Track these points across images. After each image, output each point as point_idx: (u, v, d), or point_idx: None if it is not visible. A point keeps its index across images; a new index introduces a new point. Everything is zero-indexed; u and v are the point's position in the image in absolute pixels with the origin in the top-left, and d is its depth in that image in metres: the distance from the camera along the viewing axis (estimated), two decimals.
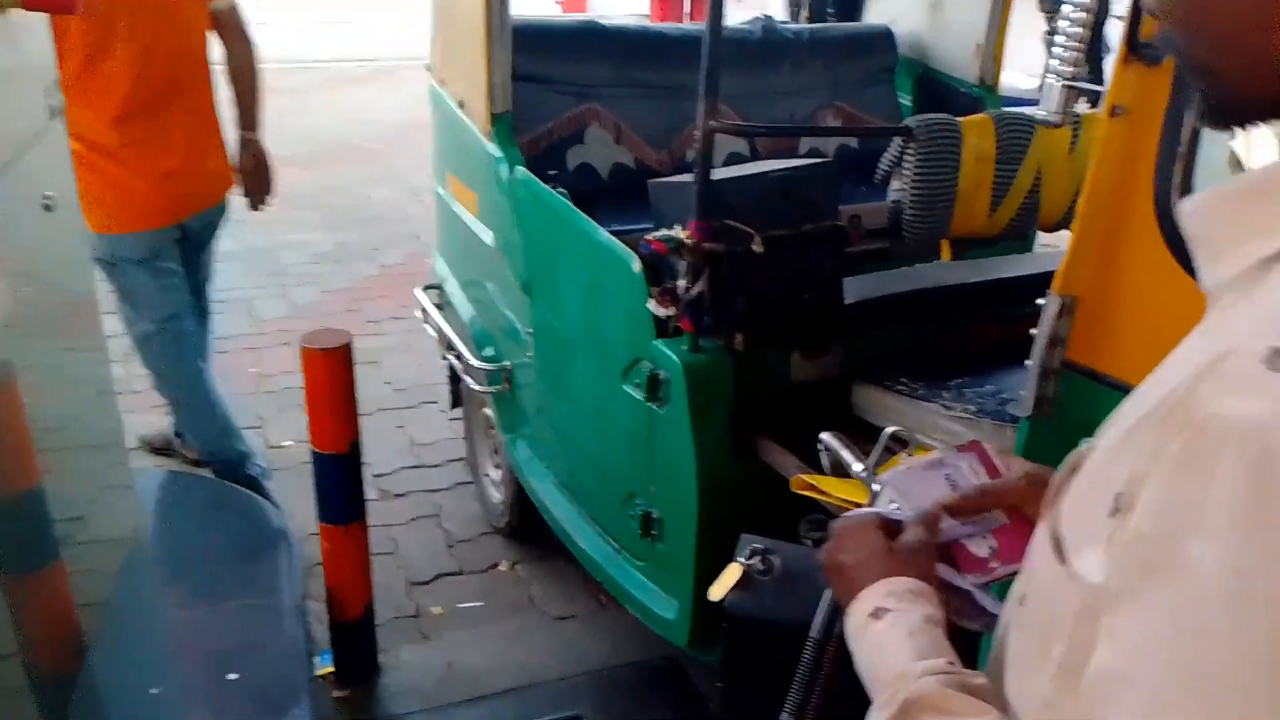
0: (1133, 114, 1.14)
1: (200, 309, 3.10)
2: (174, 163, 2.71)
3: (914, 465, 0.96)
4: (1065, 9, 1.16)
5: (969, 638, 0.86)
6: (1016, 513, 0.90)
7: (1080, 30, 1.18)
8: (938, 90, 3.10)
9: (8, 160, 1.46)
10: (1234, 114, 0.59)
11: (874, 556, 0.81)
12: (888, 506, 0.92)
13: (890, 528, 0.86)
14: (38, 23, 1.59)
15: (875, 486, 1.53)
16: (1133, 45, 1.10)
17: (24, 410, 1.65)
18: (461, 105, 2.82)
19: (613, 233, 2.19)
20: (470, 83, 2.71)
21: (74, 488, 1.98)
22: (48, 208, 1.63)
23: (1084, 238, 1.19)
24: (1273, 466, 0.44)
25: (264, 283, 5.03)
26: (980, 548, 0.92)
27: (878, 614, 0.75)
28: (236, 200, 3.23)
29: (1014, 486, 0.90)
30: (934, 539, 0.86)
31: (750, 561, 1.63)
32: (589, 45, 2.95)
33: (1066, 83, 1.18)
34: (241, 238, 5.59)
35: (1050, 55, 1.17)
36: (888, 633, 0.74)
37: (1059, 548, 0.61)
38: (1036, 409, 1.27)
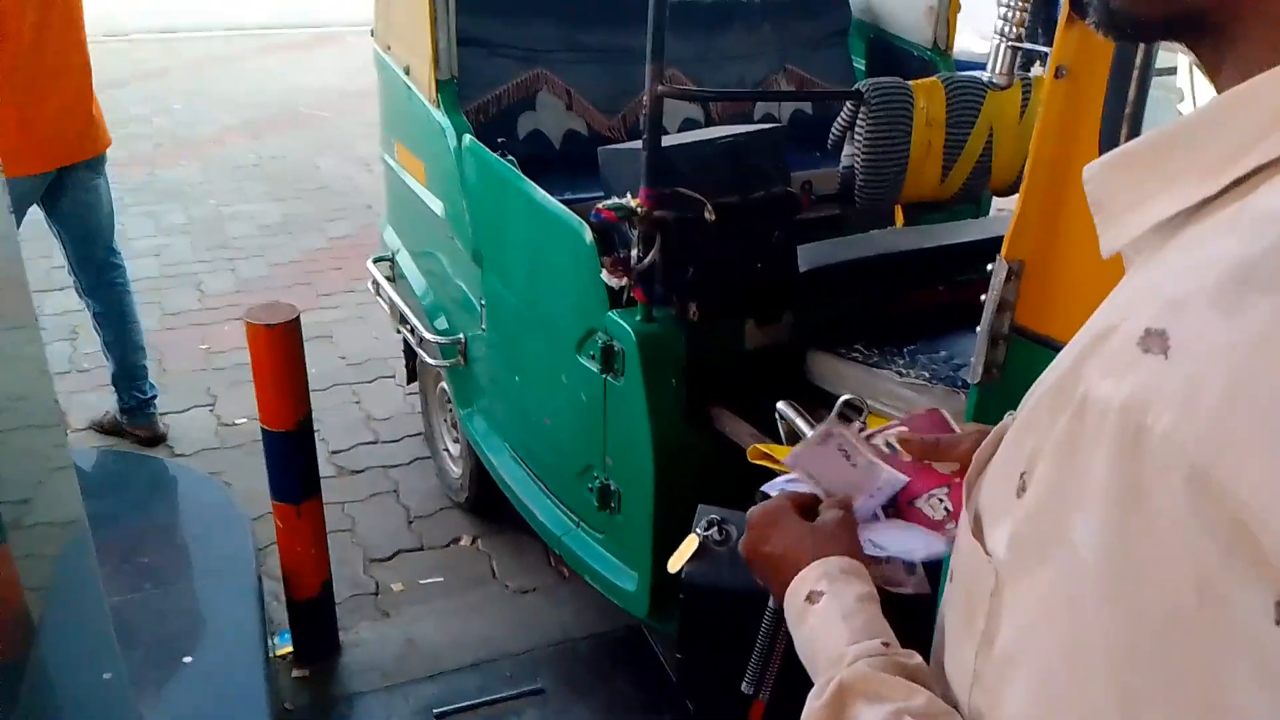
0: (1076, 75, 1.13)
1: (94, 257, 3.16)
2: (45, 115, 2.84)
3: (809, 443, 0.96)
4: None
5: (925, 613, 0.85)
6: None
7: None
8: (890, 54, 3.08)
9: None
10: (1128, 25, 0.57)
11: (799, 541, 0.80)
12: (796, 486, 0.92)
13: (804, 508, 0.85)
14: None
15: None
16: (1076, 4, 1.09)
17: None
18: (407, 71, 2.76)
19: (565, 201, 2.16)
20: (414, 48, 2.65)
21: (13, 470, 1.92)
22: None
23: (1029, 202, 1.18)
24: (1141, 447, 0.45)
25: (210, 257, 4.92)
26: (936, 510, 0.92)
27: (812, 598, 0.74)
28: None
29: (966, 443, 0.90)
30: (850, 513, 0.85)
31: (707, 533, 1.62)
32: (535, 6, 2.88)
33: (1012, 44, 1.17)
34: (186, 210, 5.49)
35: (998, 17, 1.16)
36: (823, 616, 0.73)
37: (979, 525, 0.61)
38: (985, 375, 1.27)
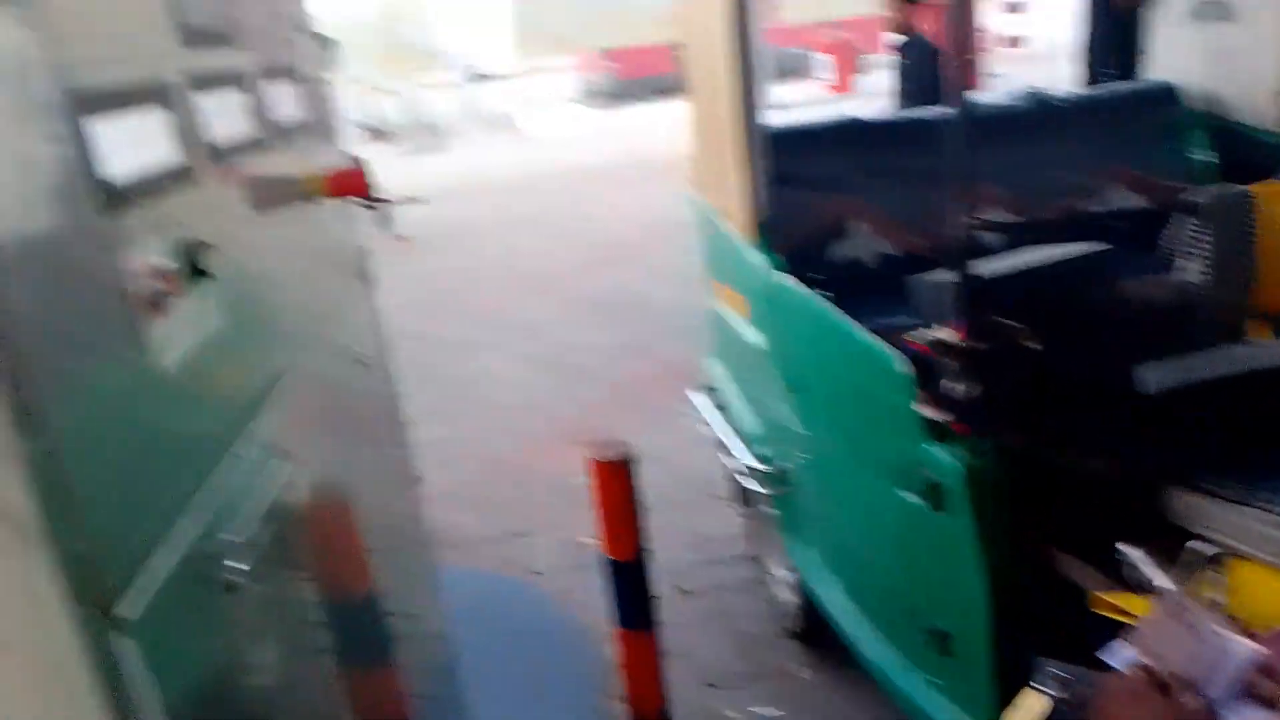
0: None
1: None
2: None
3: (1151, 622, 0.89)
4: None
5: None
6: None
7: None
8: (1236, 141, 2.81)
9: (325, 327, 1.73)
10: None
11: None
12: (1138, 660, 0.86)
13: (1160, 686, 0.79)
14: (344, 210, 1.88)
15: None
16: None
17: (357, 524, 1.90)
18: (722, 213, 2.92)
19: (881, 327, 2.16)
20: (730, 191, 2.81)
21: (396, 587, 2.20)
22: (360, 363, 1.89)
23: None
24: None
25: (556, 385, 5.40)
26: None
27: None
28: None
29: None
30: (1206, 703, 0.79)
31: (1062, 694, 1.51)
32: (846, 141, 2.98)
33: None
34: (535, 340, 6.09)
35: None
36: None
37: None
38: None
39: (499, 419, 5.03)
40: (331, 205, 1.77)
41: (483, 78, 18.74)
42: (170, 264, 1.12)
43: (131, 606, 0.95)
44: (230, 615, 1.20)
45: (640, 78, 18.48)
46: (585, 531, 3.77)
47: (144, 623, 0.95)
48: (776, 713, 2.75)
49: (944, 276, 1.92)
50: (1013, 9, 15.80)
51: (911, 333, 1.91)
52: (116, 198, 1.04)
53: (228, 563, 1.16)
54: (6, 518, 0.86)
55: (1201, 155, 2.94)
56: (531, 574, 3.53)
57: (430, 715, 2.28)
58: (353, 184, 1.74)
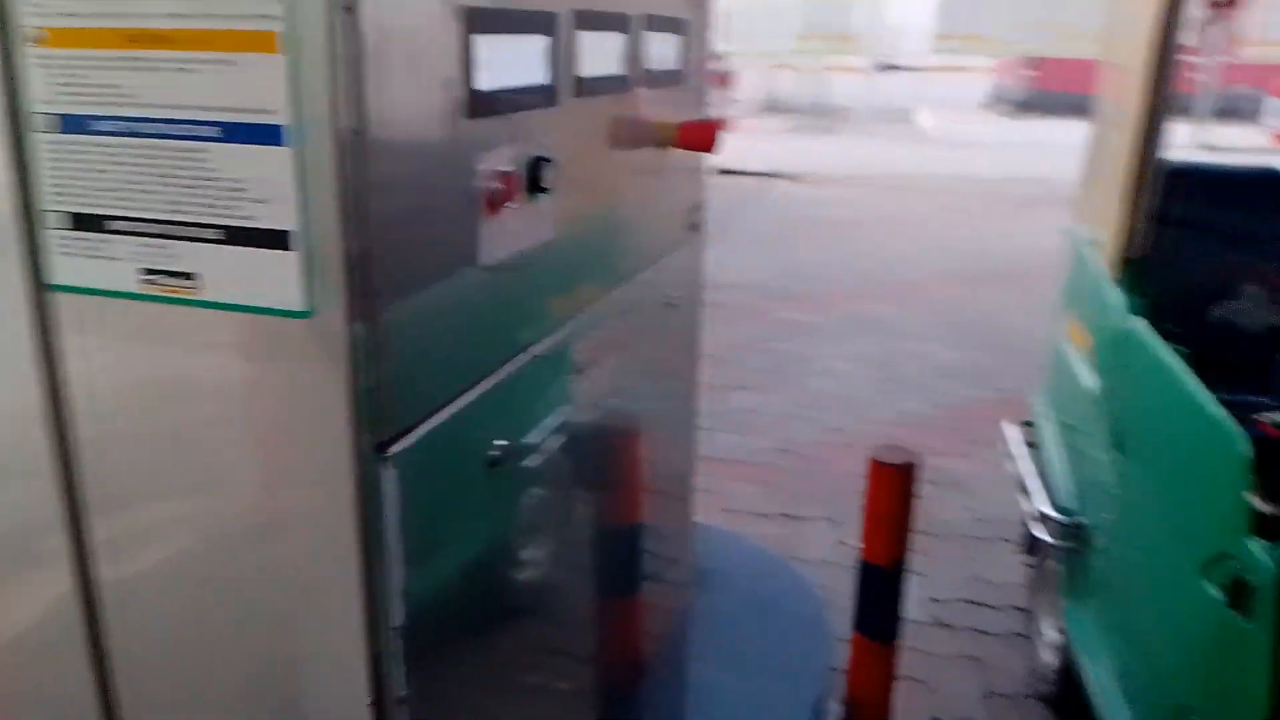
0: None
1: None
2: None
3: None
4: None
5: None
6: None
7: None
8: None
9: (642, 268, 1.82)
10: None
11: None
12: None
13: None
14: (693, 157, 1.95)
15: None
16: None
17: (640, 456, 2.01)
18: (1096, 245, 2.70)
19: (1235, 403, 1.91)
20: (1107, 222, 2.58)
21: (642, 525, 2.31)
22: (670, 305, 1.97)
23: None
24: None
25: (878, 387, 5.28)
26: None
27: None
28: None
29: None
30: None
31: None
32: (1263, 193, 2.62)
33: None
34: (875, 342, 5.97)
35: None
36: None
37: None
38: None
39: (811, 406, 5.02)
40: (680, 155, 1.85)
41: (892, 68, 18.41)
42: (516, 171, 1.25)
43: (403, 449, 1.09)
44: (495, 494, 1.33)
45: (1058, 91, 17.23)
46: (856, 534, 3.70)
47: (408, 462, 1.09)
48: None
49: None
50: None
51: (1265, 414, 1.67)
52: (482, 105, 1.17)
53: (498, 442, 1.28)
54: (327, 358, 1.01)
55: None
56: (793, 559, 3.53)
57: (662, 658, 2.37)
58: (702, 138, 1.80)
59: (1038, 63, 17.78)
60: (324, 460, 1.05)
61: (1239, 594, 1.69)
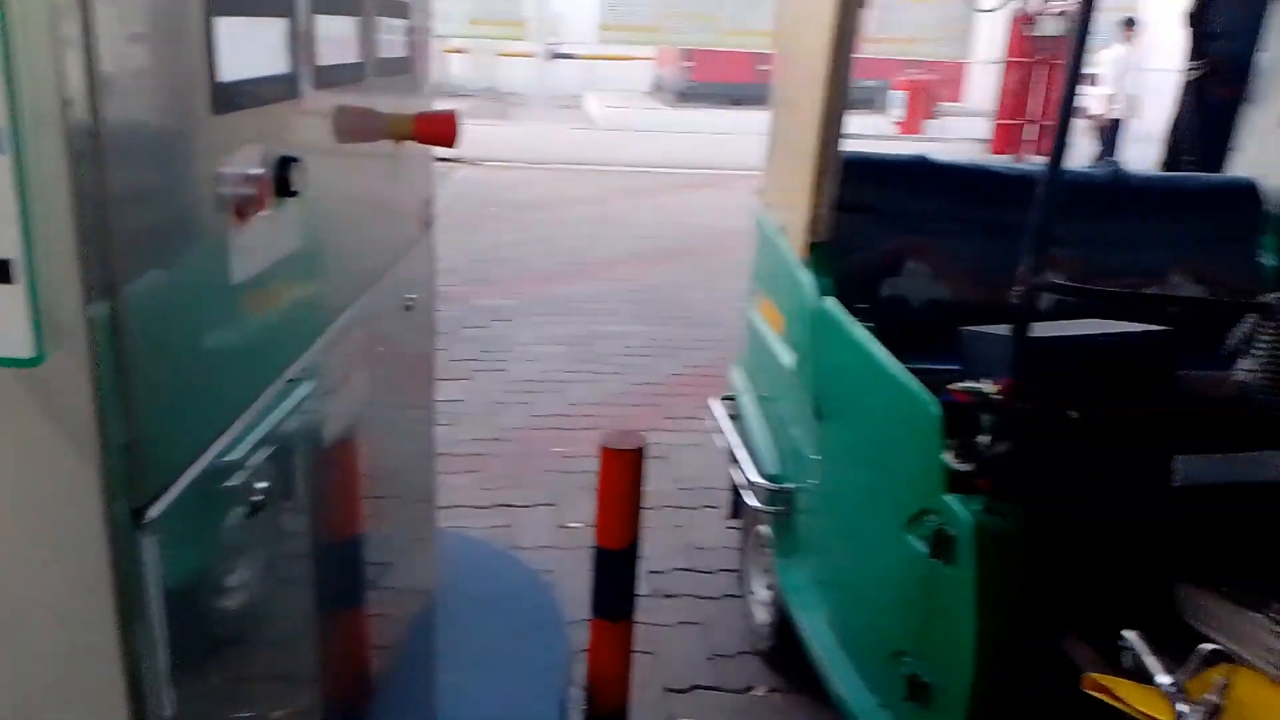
0: None
1: None
2: None
3: None
4: None
5: None
6: None
7: None
8: None
9: (383, 272, 1.71)
10: None
11: None
12: None
13: None
14: (420, 151, 1.86)
15: (1181, 708, 1.36)
16: None
17: (359, 465, 1.89)
18: (783, 230, 2.90)
19: (916, 371, 2.13)
20: (794, 209, 2.78)
21: (387, 537, 2.20)
22: (408, 308, 1.87)
23: None
24: None
25: (579, 369, 5.38)
26: None
27: None
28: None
29: None
30: None
31: None
32: (919, 179, 2.94)
33: None
34: (569, 325, 6.08)
35: None
36: None
37: None
38: None
39: (517, 392, 5.02)
40: (413, 149, 1.75)
41: (561, 56, 18.80)
42: (265, 173, 1.10)
43: (161, 511, 0.94)
44: (248, 535, 1.18)
45: (714, 82, 18.42)
46: (573, 516, 3.78)
47: (168, 527, 0.94)
48: None
49: (1000, 331, 1.89)
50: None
51: (956, 383, 1.87)
52: (227, 98, 1.02)
53: (259, 485, 1.14)
54: (66, 413, 0.84)
55: (1271, 260, 2.88)
56: (512, 548, 3.53)
57: (394, 666, 2.27)
58: (442, 131, 1.72)
59: (694, 54, 18.89)
60: (69, 536, 0.87)
61: (941, 545, 1.90)
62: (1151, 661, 1.46)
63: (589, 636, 2.48)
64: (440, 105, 1.87)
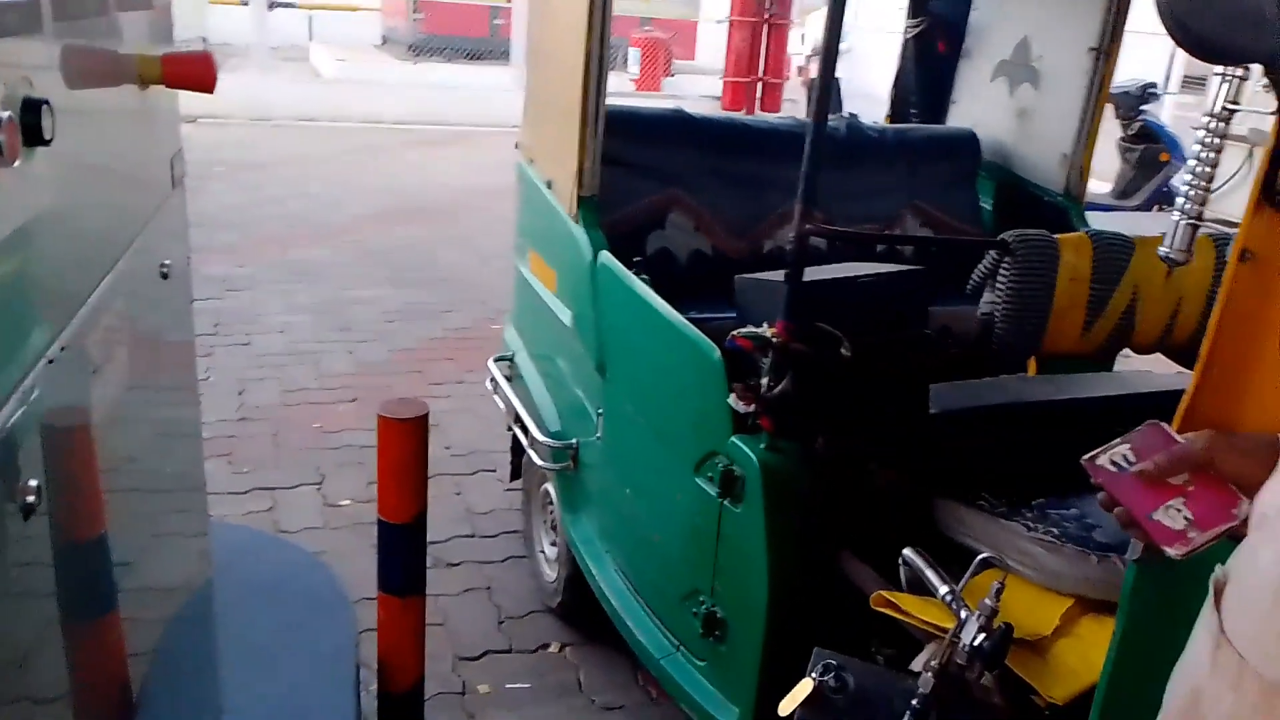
0: (1261, 260, 1.11)
1: None
2: None
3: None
4: (1194, 149, 1.15)
5: None
6: (1201, 477, 1.00)
7: (1207, 170, 1.16)
8: (1021, 197, 3.09)
9: (136, 234, 1.51)
10: None
11: None
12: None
13: None
14: (169, 96, 1.66)
15: (963, 614, 1.49)
16: (1267, 192, 1.08)
17: (95, 455, 1.68)
18: (549, 185, 2.87)
19: (691, 319, 2.19)
20: (560, 164, 2.76)
21: (143, 533, 1.99)
22: (164, 275, 1.67)
23: (1207, 379, 1.15)
24: None
25: (331, 338, 5.11)
26: (1176, 520, 1.00)
27: None
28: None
29: (1198, 449, 1.00)
30: None
31: (824, 678, 1.58)
32: (676, 133, 3.00)
33: (1192, 221, 1.16)
34: (313, 291, 5.74)
35: (1179, 195, 1.16)
36: None
37: None
38: (1148, 553, 1.22)
39: (266, 366, 4.70)
40: (157, 95, 1.54)
41: (281, 4, 17.55)
42: (11, 117, 0.92)
43: None
44: (29, 544, 1.02)
45: (447, 35, 17.89)
46: (341, 493, 3.61)
47: None
48: (526, 686, 2.73)
49: (773, 277, 1.97)
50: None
51: (738, 330, 1.94)
52: None
53: (32, 483, 0.98)
54: None
55: (987, 204, 3.20)
56: (278, 532, 3.32)
57: (165, 671, 2.07)
58: (196, 74, 1.51)
59: (421, 6, 18.22)
60: None
61: (729, 485, 1.97)
62: (930, 576, 1.59)
63: (378, 614, 2.39)
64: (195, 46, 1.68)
